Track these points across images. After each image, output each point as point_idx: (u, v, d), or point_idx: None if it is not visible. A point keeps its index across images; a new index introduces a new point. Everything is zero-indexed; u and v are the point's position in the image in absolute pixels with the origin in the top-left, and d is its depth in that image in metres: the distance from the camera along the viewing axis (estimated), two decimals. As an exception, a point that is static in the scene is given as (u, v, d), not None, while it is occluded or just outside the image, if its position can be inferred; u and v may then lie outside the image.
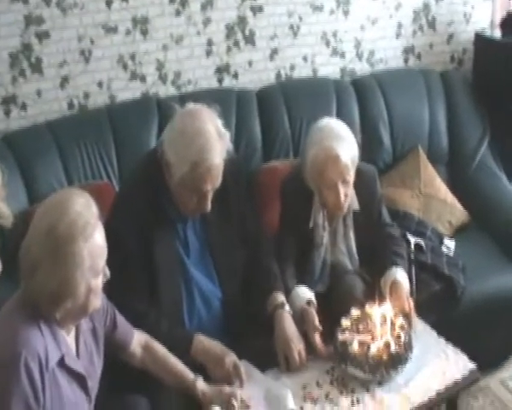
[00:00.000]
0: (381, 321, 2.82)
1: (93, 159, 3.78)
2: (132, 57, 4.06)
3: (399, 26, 4.66)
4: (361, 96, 4.34)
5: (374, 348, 2.74)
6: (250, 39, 4.29)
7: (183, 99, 3.63)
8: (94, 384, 2.33)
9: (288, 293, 3.02)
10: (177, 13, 4.08)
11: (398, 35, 4.68)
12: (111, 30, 3.96)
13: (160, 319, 2.80)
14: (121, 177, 3.81)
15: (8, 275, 2.58)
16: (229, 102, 4.02)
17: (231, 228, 3.00)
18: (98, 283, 2.18)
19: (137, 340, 2.62)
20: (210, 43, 4.21)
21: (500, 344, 3.84)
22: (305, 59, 4.47)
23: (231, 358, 2.76)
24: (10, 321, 2.09)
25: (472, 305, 3.55)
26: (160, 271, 2.82)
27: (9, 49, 3.77)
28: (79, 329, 2.28)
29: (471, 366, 2.82)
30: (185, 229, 2.91)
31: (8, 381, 1.99)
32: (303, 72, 4.49)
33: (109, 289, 2.35)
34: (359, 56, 4.62)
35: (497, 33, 4.66)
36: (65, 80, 3.94)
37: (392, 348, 2.73)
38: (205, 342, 2.79)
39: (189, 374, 2.65)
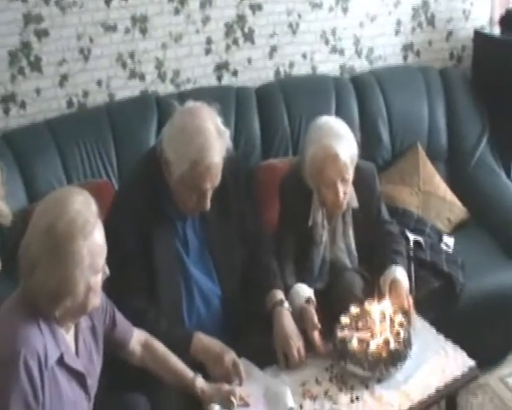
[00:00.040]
0: (380, 318, 2.83)
1: (92, 157, 3.78)
2: (131, 56, 4.06)
3: (398, 23, 4.66)
4: (360, 93, 4.34)
5: (373, 346, 2.74)
6: (249, 37, 4.29)
7: (182, 97, 3.63)
8: (93, 383, 2.33)
9: (287, 291, 3.03)
10: (176, 11, 4.08)
11: (397, 32, 4.68)
12: (110, 28, 3.96)
13: (159, 317, 2.80)
14: (120, 175, 3.81)
15: (7, 273, 2.59)
16: (228, 100, 4.02)
17: (230, 226, 3.00)
18: (98, 281, 2.19)
19: (137, 338, 2.62)
20: (209, 41, 4.20)
21: (499, 341, 3.84)
22: (304, 56, 4.47)
23: (230, 356, 2.76)
24: (9, 319, 2.09)
25: (471, 302, 3.55)
26: (159, 269, 2.82)
27: (8, 48, 3.77)
28: (79, 327, 2.28)
29: (470, 363, 2.82)
30: (184, 227, 2.91)
31: (8, 379, 1.99)
32: (302, 69, 4.49)
33: (109, 287, 2.34)
34: (358, 53, 4.62)
35: (497, 30, 4.66)
36: (64, 79, 3.94)
37: (392, 345, 2.74)
38: (204, 340, 2.79)
39: (188, 372, 2.65)
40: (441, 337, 2.96)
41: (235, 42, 4.27)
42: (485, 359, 3.11)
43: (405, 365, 2.76)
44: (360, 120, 4.26)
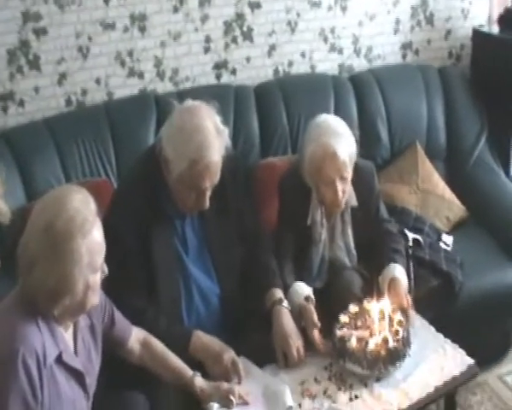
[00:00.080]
0: (379, 317, 2.83)
1: (91, 156, 3.77)
2: (130, 54, 4.05)
3: (397, 21, 4.66)
4: (359, 92, 4.34)
5: (372, 344, 2.74)
6: (248, 36, 4.29)
7: (181, 96, 3.64)
8: (92, 381, 2.33)
9: (286, 289, 3.03)
10: (175, 10, 4.08)
11: (396, 31, 4.67)
12: (109, 27, 3.96)
13: (158, 315, 2.80)
14: (119, 174, 3.81)
15: (5, 272, 2.58)
16: (227, 99, 4.02)
17: (229, 224, 3.00)
18: (96, 279, 2.18)
19: (135, 337, 2.62)
20: (208, 39, 4.20)
21: (498, 340, 3.86)
22: (303, 55, 4.46)
23: (229, 354, 2.76)
24: (8, 318, 2.09)
25: (470, 300, 3.55)
26: (158, 268, 2.82)
27: (7, 46, 3.77)
28: (77, 326, 2.28)
29: (469, 361, 2.82)
30: (183, 226, 2.91)
31: (6, 378, 1.99)
32: (301, 68, 4.49)
33: (108, 285, 2.34)
34: (357, 52, 4.61)
35: (495, 29, 4.65)
36: (62, 77, 3.93)
37: (391, 343, 2.74)
38: (203, 339, 2.79)
39: (187, 371, 2.65)
40: (440, 336, 2.96)
41: (234, 40, 4.27)
42: (484, 357, 3.12)
43: (404, 363, 2.77)
44: (359, 119, 4.25)
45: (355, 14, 4.52)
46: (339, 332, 2.83)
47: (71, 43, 3.90)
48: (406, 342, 2.79)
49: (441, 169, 4.38)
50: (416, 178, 4.16)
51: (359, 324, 2.87)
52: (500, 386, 3.75)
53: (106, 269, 2.22)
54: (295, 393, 2.68)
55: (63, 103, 3.98)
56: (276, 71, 4.43)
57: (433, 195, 4.13)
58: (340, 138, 3.00)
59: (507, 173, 4.45)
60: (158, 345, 2.67)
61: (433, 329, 3.01)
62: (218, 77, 4.30)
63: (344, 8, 4.48)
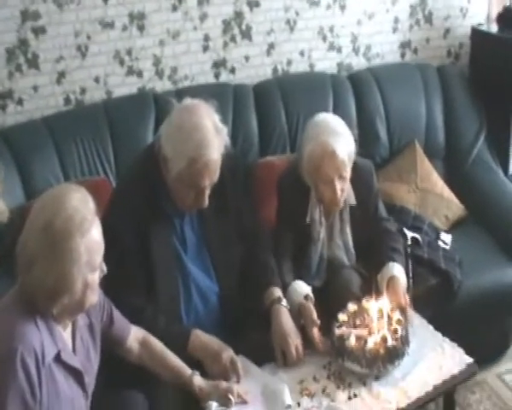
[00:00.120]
0: (377, 315, 2.83)
1: (90, 154, 3.77)
2: (129, 53, 4.05)
3: (396, 20, 4.66)
4: (358, 90, 4.34)
5: (371, 343, 2.74)
6: (247, 34, 4.29)
7: (179, 94, 3.63)
8: (91, 380, 2.33)
9: (285, 288, 3.03)
10: (174, 8, 4.08)
11: (394, 30, 4.67)
12: (107, 25, 3.96)
13: (156, 314, 2.80)
14: (118, 172, 3.81)
15: (4, 270, 2.58)
16: (225, 97, 4.02)
17: (228, 223, 3.00)
18: (95, 278, 2.18)
19: (134, 335, 2.62)
20: (207, 38, 4.20)
21: (497, 338, 3.86)
22: (301, 54, 4.46)
23: (228, 353, 2.76)
24: (7, 316, 2.08)
25: (468, 299, 3.55)
26: (157, 266, 2.82)
27: (6, 45, 3.77)
28: (76, 324, 2.28)
29: (468, 360, 2.82)
30: (182, 224, 2.91)
31: (5, 376, 1.99)
32: (300, 67, 4.49)
33: (106, 284, 2.34)
34: (356, 51, 4.61)
35: (494, 28, 4.65)
36: (61, 76, 3.93)
37: (389, 342, 2.74)
38: (202, 338, 2.79)
39: (186, 370, 2.65)
40: (439, 335, 2.96)
41: (233, 39, 4.27)
42: (483, 356, 3.12)
43: (403, 362, 2.77)
44: (358, 118, 4.25)
45: (354, 12, 4.52)
46: (337, 331, 2.83)
47: (70, 41, 3.89)
48: (405, 341, 2.79)
49: (440, 168, 4.38)
50: (415, 177, 4.17)
51: (358, 322, 2.88)
52: (499, 385, 3.75)
53: (104, 268, 2.23)
54: (294, 392, 2.68)
55: (62, 102, 3.98)
56: (274, 70, 4.43)
57: (432, 193, 4.13)
58: (338, 137, 3.00)
59: (505, 172, 4.45)
60: (157, 344, 2.67)
61: (431, 327, 3.01)
62: (217, 76, 4.30)
63: (343, 7, 4.47)
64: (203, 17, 4.15)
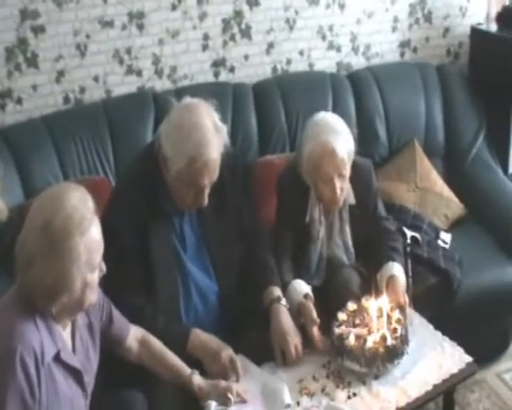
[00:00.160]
0: (377, 315, 2.83)
1: (89, 153, 3.77)
2: (128, 52, 4.05)
3: (395, 19, 4.65)
4: (357, 89, 4.33)
5: (370, 342, 2.74)
6: (246, 33, 4.29)
7: (179, 93, 3.62)
8: (90, 380, 2.33)
9: (284, 287, 3.02)
10: (173, 7, 4.07)
11: (394, 29, 4.67)
12: (107, 24, 3.95)
13: (156, 313, 2.80)
14: (117, 172, 3.80)
15: (3, 269, 2.58)
16: (225, 96, 4.01)
17: (228, 222, 3.00)
18: (94, 278, 2.18)
19: (134, 335, 2.62)
20: (206, 37, 4.20)
21: (496, 338, 3.86)
22: (301, 53, 4.46)
23: (228, 352, 2.76)
24: (6, 316, 2.08)
25: (468, 298, 3.55)
26: (156, 266, 2.82)
27: (5, 44, 3.76)
28: (75, 324, 2.28)
29: (468, 359, 2.82)
30: (182, 223, 2.91)
31: (4, 376, 1.99)
32: (299, 66, 4.48)
33: (106, 284, 2.34)
34: (355, 50, 4.61)
35: (493, 27, 4.65)
36: (61, 75, 3.93)
37: (389, 341, 2.74)
38: (201, 337, 2.79)
39: (185, 369, 2.65)
40: (438, 334, 2.96)
41: (232, 38, 4.26)
42: (483, 355, 3.12)
43: (402, 361, 2.77)
44: (357, 117, 4.25)
45: (353, 11, 4.52)
46: (337, 330, 2.83)
47: (69, 40, 3.89)
48: (404, 340, 2.79)
49: (439, 167, 4.38)
50: (415, 176, 4.16)
51: (357, 321, 2.88)
52: (498, 384, 3.75)
53: (104, 267, 2.22)
54: (293, 391, 2.68)
55: (61, 101, 3.97)
56: (274, 69, 4.43)
57: (432, 192, 4.13)
58: (338, 136, 3.00)
59: (505, 171, 4.46)
60: (156, 343, 2.67)
61: (431, 326, 3.01)
62: (217, 75, 4.30)
63: (342, 6, 4.47)
64: (202, 16, 4.15)
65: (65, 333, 2.23)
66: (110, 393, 2.53)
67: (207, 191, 2.77)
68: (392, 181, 4.13)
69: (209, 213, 2.91)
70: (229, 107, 4.02)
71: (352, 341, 2.75)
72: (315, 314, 2.90)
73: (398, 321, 2.84)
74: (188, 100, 2.81)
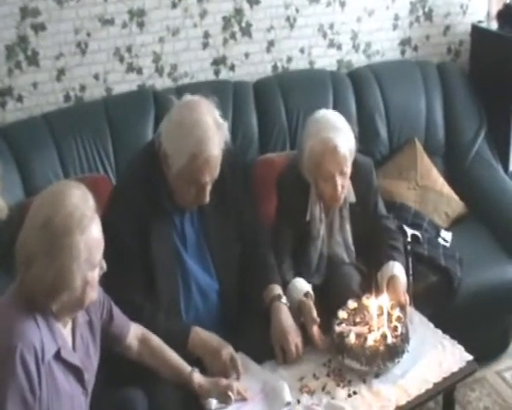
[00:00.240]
0: (377, 313, 2.83)
1: (89, 152, 3.77)
2: (129, 50, 4.05)
3: (396, 17, 4.65)
4: (357, 87, 4.33)
5: (370, 340, 2.74)
6: (247, 31, 4.28)
7: (179, 91, 3.63)
8: (90, 377, 2.33)
9: (285, 285, 3.03)
10: (174, 5, 4.07)
11: (394, 27, 4.67)
12: (107, 22, 3.95)
13: (156, 311, 2.80)
14: (118, 170, 3.80)
15: (3, 268, 2.57)
16: (225, 94, 4.01)
17: (229, 220, 3.00)
18: (95, 275, 2.18)
19: (134, 333, 2.62)
20: (206, 35, 4.19)
21: (497, 336, 3.86)
22: (301, 51, 4.46)
23: (228, 350, 2.76)
24: (6, 314, 2.08)
25: (468, 296, 3.55)
26: (157, 264, 2.82)
27: (5, 42, 3.76)
28: (76, 322, 2.28)
29: (468, 357, 2.83)
30: (182, 221, 2.91)
31: (4, 374, 1.99)
32: (300, 64, 4.48)
33: (106, 281, 2.34)
34: (356, 48, 4.60)
35: (494, 25, 4.64)
36: (61, 72, 3.93)
37: (389, 339, 2.74)
38: (202, 335, 2.79)
39: (185, 367, 2.65)
40: (439, 332, 2.97)
41: (233, 36, 4.26)
42: (483, 353, 3.12)
43: (403, 359, 2.77)
44: (358, 115, 4.25)
45: (354, 9, 4.51)
46: (337, 328, 2.83)
47: (69, 38, 3.89)
48: (405, 338, 2.80)
49: (440, 165, 4.38)
50: (415, 174, 4.16)
51: (358, 320, 2.88)
52: (499, 382, 3.75)
53: (104, 265, 2.22)
54: (294, 389, 2.68)
55: (62, 99, 3.97)
56: (274, 67, 4.42)
57: (432, 191, 4.13)
58: (339, 133, 3.00)
59: (505, 169, 4.45)
60: (156, 341, 2.67)
61: (431, 325, 3.01)
62: (217, 73, 4.29)
63: (343, 4, 4.47)
64: (203, 14, 4.14)
65: (65, 331, 2.23)
66: (110, 391, 2.53)
67: (209, 188, 2.77)
68: (392, 179, 4.13)
69: (210, 210, 2.91)
70: (229, 105, 4.01)
71: (352, 339, 2.75)
72: (315, 313, 2.90)
73: (399, 319, 2.84)
74: (188, 97, 2.82)
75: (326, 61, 4.54)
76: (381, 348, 2.72)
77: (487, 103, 4.51)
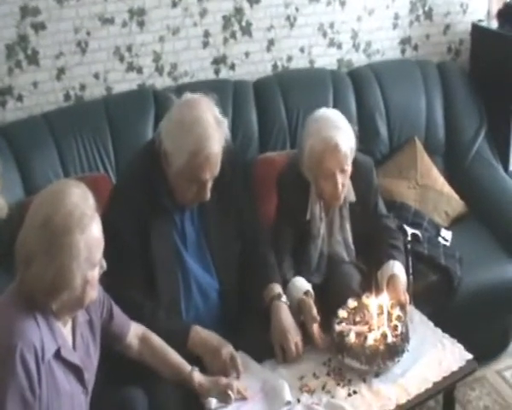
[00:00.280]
0: (377, 312, 2.83)
1: (89, 151, 3.77)
2: (129, 49, 4.05)
3: (396, 16, 4.65)
4: (358, 87, 4.33)
5: (370, 339, 2.74)
6: (247, 30, 4.28)
7: (179, 90, 3.62)
8: (90, 376, 2.33)
9: (285, 284, 3.03)
10: (174, 4, 4.07)
11: (394, 26, 4.67)
12: (107, 21, 3.95)
13: (156, 310, 2.80)
14: (118, 169, 3.80)
15: (3, 266, 2.57)
16: (225, 93, 4.01)
17: (229, 218, 3.00)
18: (95, 275, 2.18)
19: (134, 332, 2.62)
20: (206, 34, 4.19)
21: (497, 335, 3.86)
22: (301, 50, 4.46)
23: (228, 349, 2.76)
24: (6, 313, 2.08)
25: (468, 296, 3.55)
26: (157, 262, 2.82)
27: (5, 41, 3.76)
28: (76, 321, 2.28)
29: (468, 356, 2.83)
30: (183, 220, 2.91)
31: (4, 373, 1.99)
32: (300, 63, 4.48)
33: (106, 280, 2.34)
34: (356, 47, 4.60)
35: (494, 24, 4.64)
36: (61, 72, 3.93)
37: (389, 338, 2.74)
38: (202, 334, 2.79)
39: (185, 366, 2.65)
40: (439, 331, 2.97)
41: (233, 35, 4.26)
42: (483, 352, 3.12)
43: (403, 358, 2.77)
44: (358, 114, 4.25)
45: (354, 8, 4.51)
46: (337, 327, 2.83)
47: (69, 37, 3.89)
48: (405, 338, 2.79)
49: (440, 164, 4.38)
50: (415, 173, 4.16)
51: (358, 319, 2.88)
52: (499, 381, 3.75)
53: (104, 264, 2.22)
54: (294, 388, 2.68)
55: (62, 98, 3.97)
56: (274, 66, 4.42)
57: (432, 190, 4.13)
58: (340, 131, 3.00)
59: (506, 168, 4.45)
60: (156, 340, 2.67)
61: (431, 324, 3.01)
62: (217, 72, 4.29)
63: (343, 3, 4.47)
64: (203, 13, 4.14)
65: (65, 330, 2.23)
66: (110, 390, 2.53)
67: (210, 185, 2.77)
68: (392, 178, 4.13)
69: (210, 208, 2.91)
70: (229, 104, 4.01)
71: (352, 338, 2.75)
72: (315, 311, 2.90)
73: (399, 318, 2.84)
74: (188, 96, 2.82)
75: (326, 60, 4.54)
76: (381, 347, 2.72)
77: (487, 102, 4.51)
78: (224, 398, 2.61)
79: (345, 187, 3.07)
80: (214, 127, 2.70)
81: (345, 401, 2.62)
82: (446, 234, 3.86)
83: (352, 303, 2.93)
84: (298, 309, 2.95)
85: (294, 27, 4.39)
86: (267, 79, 4.29)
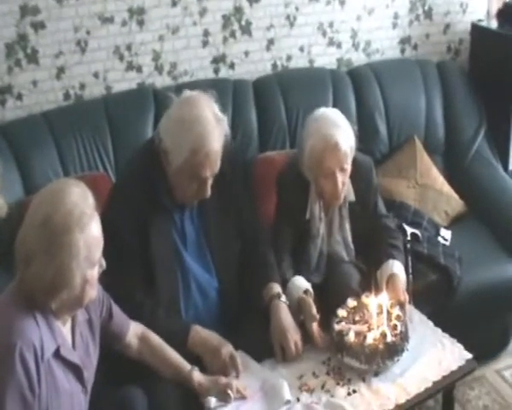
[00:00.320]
0: (377, 311, 2.83)
1: (89, 150, 3.77)
2: (128, 48, 4.04)
3: (396, 16, 4.65)
4: (357, 86, 4.33)
5: (370, 338, 2.74)
6: (246, 30, 4.28)
7: (179, 90, 3.59)
8: (90, 375, 2.33)
9: (284, 283, 3.02)
10: (174, 3, 4.07)
11: (394, 25, 4.67)
12: (107, 20, 3.95)
13: (156, 310, 2.80)
14: (117, 168, 3.80)
15: (3, 266, 2.57)
16: (225, 93, 4.00)
17: (228, 217, 3.00)
18: (94, 274, 2.18)
19: (133, 331, 2.62)
20: (206, 33, 4.19)
21: (496, 334, 3.86)
22: (301, 49, 4.45)
23: (228, 348, 2.76)
24: (5, 312, 2.08)
25: (468, 295, 3.55)
26: (156, 261, 2.82)
27: (5, 40, 3.76)
28: (75, 320, 2.28)
29: (467, 355, 2.83)
30: (182, 219, 2.91)
31: (4, 371, 1.99)
32: (299, 62, 4.48)
33: (106, 280, 2.34)
34: (356, 47, 4.60)
35: (494, 24, 4.64)
36: (61, 71, 3.92)
37: (389, 338, 2.74)
38: (201, 333, 2.79)
39: (185, 365, 2.65)
40: (438, 330, 2.97)
41: (233, 34, 4.26)
42: (482, 352, 3.12)
43: (402, 358, 2.77)
44: (357, 113, 4.25)
45: (353, 8, 4.51)
46: (337, 326, 2.83)
47: (69, 37, 3.89)
48: (404, 337, 2.79)
49: (439, 163, 4.38)
50: (415, 173, 4.16)
51: (357, 318, 2.88)
52: (498, 381, 3.75)
53: (104, 263, 2.22)
54: (293, 387, 2.68)
55: (61, 97, 3.97)
56: (274, 65, 4.42)
57: (432, 189, 4.12)
58: (339, 130, 3.01)
59: (505, 168, 4.45)
60: (156, 339, 2.67)
61: (431, 323, 3.01)
62: (217, 71, 4.29)
63: (342, 3, 4.47)
64: (203, 12, 4.14)
65: (65, 329, 2.23)
66: (110, 389, 2.53)
67: (210, 183, 2.77)
68: (392, 178, 4.13)
69: (210, 207, 2.91)
70: (229, 103, 4.01)
71: (351, 337, 2.75)
72: (314, 310, 2.90)
73: (398, 318, 2.84)
74: (187, 93, 2.82)
75: (326, 59, 4.54)
76: (381, 346, 2.72)
77: (487, 102, 4.51)
78: (224, 397, 2.61)
79: (344, 186, 3.07)
80: (214, 124, 2.70)
81: (344, 401, 2.62)
82: (446, 233, 3.86)
83: (351, 303, 2.93)
84: (297, 308, 2.95)
85: (294, 27, 4.39)
86: (267, 79, 4.29)
